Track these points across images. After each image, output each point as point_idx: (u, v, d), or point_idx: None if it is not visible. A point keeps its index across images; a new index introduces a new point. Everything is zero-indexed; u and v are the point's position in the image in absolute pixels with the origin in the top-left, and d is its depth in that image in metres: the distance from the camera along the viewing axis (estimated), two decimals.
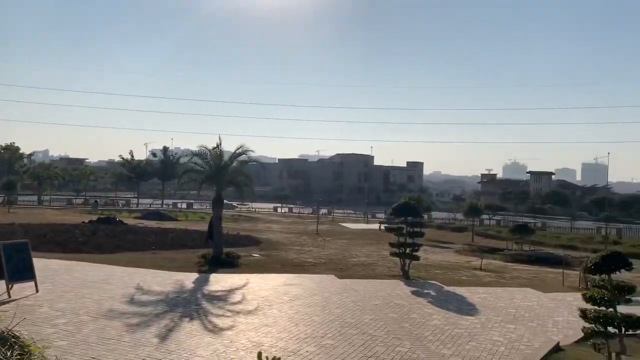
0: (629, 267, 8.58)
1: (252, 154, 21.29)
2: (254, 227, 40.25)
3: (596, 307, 8.69)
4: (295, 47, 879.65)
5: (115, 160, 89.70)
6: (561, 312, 13.62)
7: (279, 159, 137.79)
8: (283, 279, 16.56)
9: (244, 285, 15.22)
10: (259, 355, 4.66)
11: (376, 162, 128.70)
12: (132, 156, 79.66)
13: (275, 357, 4.80)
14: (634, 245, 33.85)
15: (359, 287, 15.70)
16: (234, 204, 66.62)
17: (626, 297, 8.78)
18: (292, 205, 74.74)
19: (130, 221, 38.47)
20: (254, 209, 65.74)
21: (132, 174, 78.59)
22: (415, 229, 18.75)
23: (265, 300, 13.18)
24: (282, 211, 68.65)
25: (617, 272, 8.63)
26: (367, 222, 54.33)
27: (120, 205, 67.07)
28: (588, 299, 8.79)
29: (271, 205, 72.58)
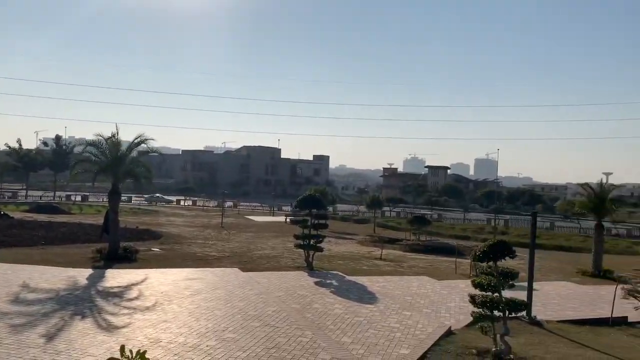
0: (512, 254, 9.27)
1: (152, 144, 20.45)
2: (155, 220, 38.80)
3: (484, 292, 9.31)
4: (200, 38, 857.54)
5: (1, 149, 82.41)
6: (453, 298, 14.44)
7: (182, 150, 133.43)
8: (184, 274, 16.10)
9: (142, 281, 14.61)
10: (122, 348, 4.46)
11: (283, 155, 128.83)
12: (20, 145, 73.61)
13: (140, 350, 4.61)
14: (519, 235, 36.67)
15: (262, 279, 15.65)
16: (167, 197, 63.96)
17: (510, 282, 9.49)
18: (196, 198, 72.91)
19: (17, 214, 35.59)
20: (154, 202, 63.34)
21: (19, 163, 72.56)
22: (320, 221, 19.02)
23: (164, 296, 12.75)
24: (186, 204, 66.79)
25: (503, 260, 9.30)
26: (274, 215, 54.36)
27: (6, 197, 61.76)
28: (476, 285, 9.40)
29: (174, 198, 70.33)
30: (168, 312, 11.12)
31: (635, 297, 11.74)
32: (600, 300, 15.39)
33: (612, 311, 12.93)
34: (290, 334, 9.88)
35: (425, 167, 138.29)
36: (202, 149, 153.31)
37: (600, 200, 23.55)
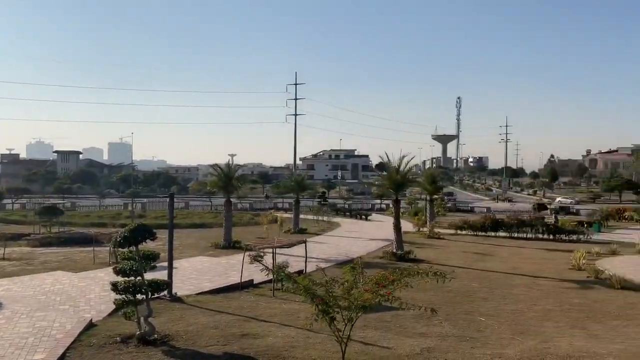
0: (153, 237, 9.42)
1: None
2: None
3: (126, 278, 9.19)
4: None
5: None
6: (93, 289, 13.79)
7: None
8: None
9: None
10: None
11: None
12: None
13: None
14: (157, 217, 37.59)
15: None
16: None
17: (152, 264, 9.65)
18: None
19: None
20: None
21: None
22: None
23: None
24: None
25: (144, 243, 9.36)
26: None
27: None
28: (118, 271, 9.21)
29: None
30: None
31: (259, 262, 13.54)
32: (232, 269, 17.19)
33: (241, 277, 14.64)
34: None
35: (54, 152, 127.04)
36: None
37: (228, 179, 26.22)
